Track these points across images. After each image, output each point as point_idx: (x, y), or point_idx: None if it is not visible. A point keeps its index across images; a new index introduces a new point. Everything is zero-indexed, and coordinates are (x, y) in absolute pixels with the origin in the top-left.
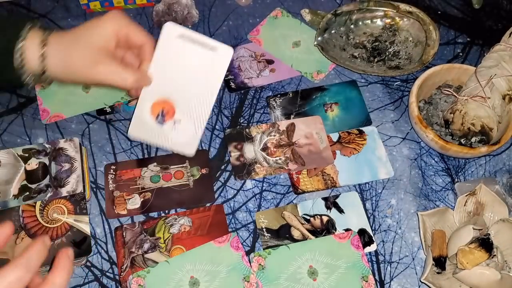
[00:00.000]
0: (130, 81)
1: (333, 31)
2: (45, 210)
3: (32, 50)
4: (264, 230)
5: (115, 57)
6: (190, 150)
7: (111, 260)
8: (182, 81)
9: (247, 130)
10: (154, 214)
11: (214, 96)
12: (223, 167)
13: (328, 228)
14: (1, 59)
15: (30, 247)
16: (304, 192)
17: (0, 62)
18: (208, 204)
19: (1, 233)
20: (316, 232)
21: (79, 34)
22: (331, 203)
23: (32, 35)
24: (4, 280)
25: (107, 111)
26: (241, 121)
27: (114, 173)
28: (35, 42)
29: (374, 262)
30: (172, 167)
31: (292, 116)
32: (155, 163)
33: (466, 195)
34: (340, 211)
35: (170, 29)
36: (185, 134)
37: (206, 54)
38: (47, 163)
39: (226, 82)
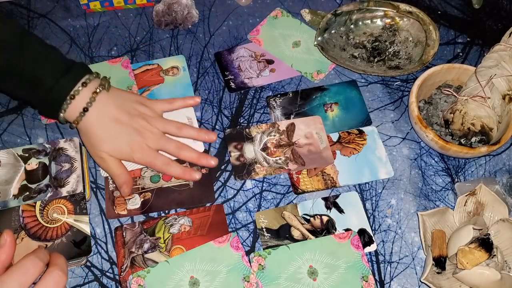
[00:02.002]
0: (120, 182)
1: (333, 31)
2: (45, 210)
3: (76, 107)
4: (264, 230)
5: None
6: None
7: (111, 260)
8: None
9: (247, 130)
10: (154, 214)
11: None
12: (223, 167)
13: (328, 228)
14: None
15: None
16: (304, 192)
17: (48, 98)
18: (208, 204)
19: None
20: (316, 232)
21: (120, 133)
22: (331, 203)
23: (84, 92)
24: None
25: None
26: (241, 121)
27: None
28: (83, 99)
29: (374, 262)
30: None
31: (292, 116)
32: None
33: (466, 195)
34: (340, 211)
35: None
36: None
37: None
38: (47, 163)
39: (226, 82)
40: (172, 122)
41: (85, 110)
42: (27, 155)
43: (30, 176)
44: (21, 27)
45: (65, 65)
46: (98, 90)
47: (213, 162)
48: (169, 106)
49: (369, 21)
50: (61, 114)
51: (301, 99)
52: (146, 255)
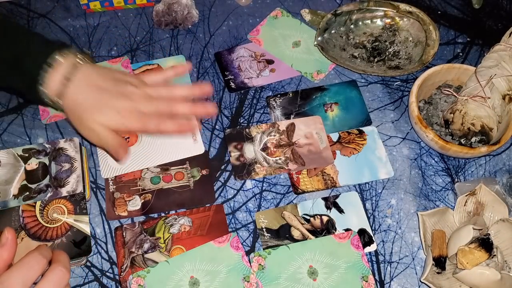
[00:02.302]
0: (115, 148)
1: (333, 31)
2: (45, 210)
3: (56, 78)
4: (264, 230)
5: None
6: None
7: (111, 260)
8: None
9: (247, 130)
10: (154, 215)
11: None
12: (223, 167)
13: (328, 228)
14: (30, 78)
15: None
16: (304, 192)
17: (29, 80)
18: (208, 204)
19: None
20: (316, 232)
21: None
22: (331, 203)
23: (60, 64)
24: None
25: None
26: (241, 121)
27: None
28: (63, 68)
29: (374, 262)
30: (172, 168)
31: (292, 116)
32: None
33: (466, 195)
34: (340, 211)
35: None
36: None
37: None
38: (47, 163)
39: (226, 82)
40: (161, 86)
41: (67, 79)
42: (27, 155)
43: (30, 176)
44: (1, 14)
45: (45, 42)
46: (79, 61)
47: (211, 109)
48: (159, 75)
49: (369, 21)
50: (41, 88)
51: (301, 99)
52: (146, 255)
